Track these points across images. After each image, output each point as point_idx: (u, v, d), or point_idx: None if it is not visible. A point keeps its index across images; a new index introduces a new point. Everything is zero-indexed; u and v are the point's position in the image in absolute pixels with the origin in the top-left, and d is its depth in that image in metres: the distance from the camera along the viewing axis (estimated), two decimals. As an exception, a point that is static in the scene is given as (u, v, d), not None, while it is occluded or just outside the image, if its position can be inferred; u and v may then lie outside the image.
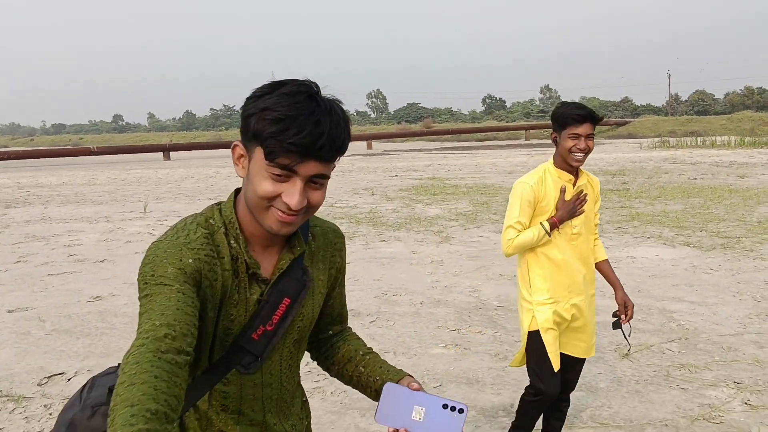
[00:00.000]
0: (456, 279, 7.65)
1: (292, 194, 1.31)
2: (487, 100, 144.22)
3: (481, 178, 20.86)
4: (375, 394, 1.55)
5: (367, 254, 9.22)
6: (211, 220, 1.42)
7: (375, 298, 6.94)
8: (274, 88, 1.31)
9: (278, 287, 1.44)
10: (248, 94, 1.35)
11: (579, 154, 3.06)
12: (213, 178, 24.47)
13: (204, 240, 1.37)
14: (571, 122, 3.05)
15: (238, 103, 1.49)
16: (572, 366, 3.37)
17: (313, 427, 4.03)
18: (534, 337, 3.19)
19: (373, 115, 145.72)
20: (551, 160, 3.23)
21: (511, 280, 7.55)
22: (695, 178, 18.64)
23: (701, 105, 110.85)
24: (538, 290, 3.19)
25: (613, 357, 5.05)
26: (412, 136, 62.57)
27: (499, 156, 34.29)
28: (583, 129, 3.04)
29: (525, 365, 3.32)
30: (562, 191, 3.14)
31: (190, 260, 1.32)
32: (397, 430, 1.35)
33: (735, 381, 4.52)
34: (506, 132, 63.37)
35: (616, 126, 61.33)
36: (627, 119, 69.14)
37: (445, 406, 1.35)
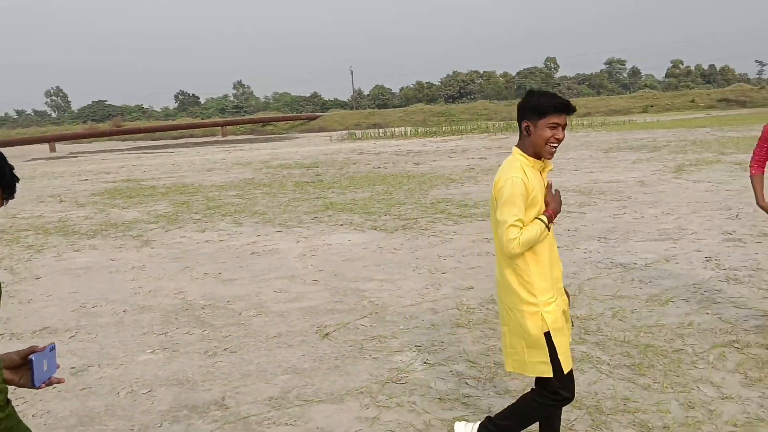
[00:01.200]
0: (160, 283, 7.53)
1: None
2: (180, 97, 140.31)
3: (179, 178, 20.42)
4: None
5: (59, 266, 8.58)
6: None
7: (72, 311, 6.54)
8: None
9: None
10: None
11: (555, 144, 2.99)
12: None
13: None
14: (552, 111, 2.94)
15: None
16: None
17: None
18: (549, 340, 3.01)
19: (54, 115, 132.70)
20: (517, 150, 3.08)
21: (216, 278, 7.66)
22: (379, 167, 20.47)
23: (381, 99, 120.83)
24: (541, 290, 3.00)
25: (314, 338, 5.48)
26: (100, 136, 58.33)
27: (196, 154, 33.78)
28: (563, 119, 2.97)
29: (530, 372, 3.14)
30: (550, 186, 3.10)
31: None
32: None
33: (416, 345, 5.22)
34: (202, 129, 62.44)
35: (308, 120, 64.15)
36: (318, 113, 72.69)
37: (51, 350, 2.02)
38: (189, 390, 4.60)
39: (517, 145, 3.10)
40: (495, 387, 4.37)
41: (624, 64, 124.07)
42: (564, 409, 3.97)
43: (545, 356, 3.02)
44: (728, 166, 14.89)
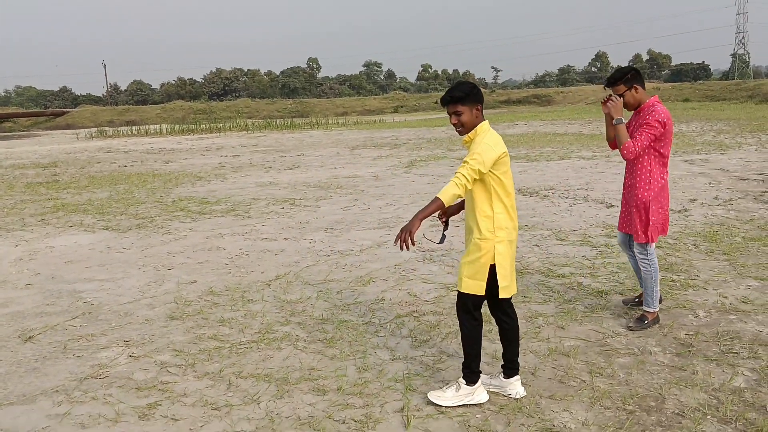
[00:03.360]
0: None
1: None
2: None
3: None
4: None
5: None
6: None
7: None
8: None
9: None
10: None
11: (455, 128, 3.87)
12: None
13: None
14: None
15: None
16: None
17: None
18: None
19: None
20: None
21: None
22: (126, 166, 19.62)
23: (140, 95, 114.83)
24: None
25: (15, 343, 5.26)
26: None
27: None
28: (448, 109, 3.83)
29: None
30: None
31: None
32: None
33: (125, 340, 5.25)
34: None
35: (53, 117, 59.03)
36: (66, 110, 67.12)
37: None
38: None
39: None
40: (195, 372, 4.57)
41: (381, 67, 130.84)
42: (252, 383, 4.33)
43: None
44: (451, 161, 16.61)
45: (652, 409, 3.78)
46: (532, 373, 4.27)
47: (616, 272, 6.38)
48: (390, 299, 5.93)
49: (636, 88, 4.90)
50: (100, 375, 4.60)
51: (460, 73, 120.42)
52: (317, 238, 8.66)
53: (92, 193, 13.75)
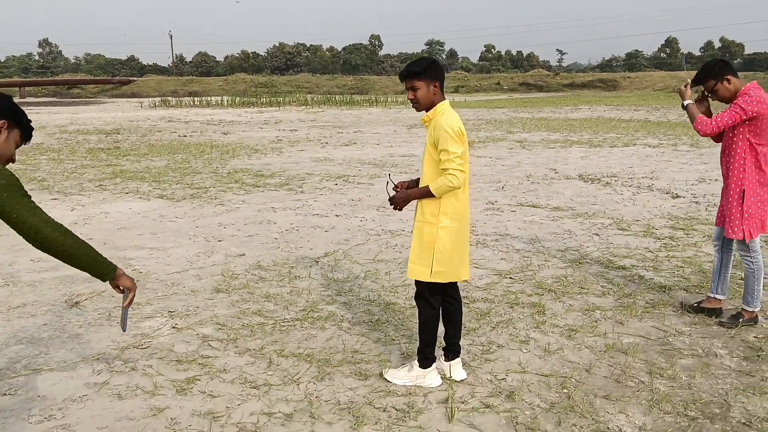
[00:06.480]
0: None
1: None
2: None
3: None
4: None
5: None
6: None
7: None
8: None
9: None
10: None
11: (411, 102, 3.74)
12: None
13: None
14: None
15: None
16: None
17: None
18: None
19: None
20: None
21: (-31, 248, 7.07)
22: (185, 136, 19.84)
23: (204, 66, 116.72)
24: None
25: (62, 308, 5.27)
26: None
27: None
28: (406, 84, 3.70)
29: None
30: None
31: None
32: None
33: (169, 311, 5.20)
34: (-4, 89, 56.75)
35: (119, 85, 60.46)
36: (132, 78, 68.67)
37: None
38: None
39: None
40: (236, 347, 4.47)
41: (443, 46, 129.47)
42: (293, 363, 4.20)
43: None
44: (510, 143, 16.17)
45: (716, 416, 3.48)
46: (587, 370, 4.01)
47: (681, 267, 6.01)
48: (439, 283, 5.72)
49: (728, 79, 4.62)
50: (142, 345, 4.55)
51: (524, 55, 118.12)
52: (369, 216, 8.49)
53: (150, 161, 13.92)
